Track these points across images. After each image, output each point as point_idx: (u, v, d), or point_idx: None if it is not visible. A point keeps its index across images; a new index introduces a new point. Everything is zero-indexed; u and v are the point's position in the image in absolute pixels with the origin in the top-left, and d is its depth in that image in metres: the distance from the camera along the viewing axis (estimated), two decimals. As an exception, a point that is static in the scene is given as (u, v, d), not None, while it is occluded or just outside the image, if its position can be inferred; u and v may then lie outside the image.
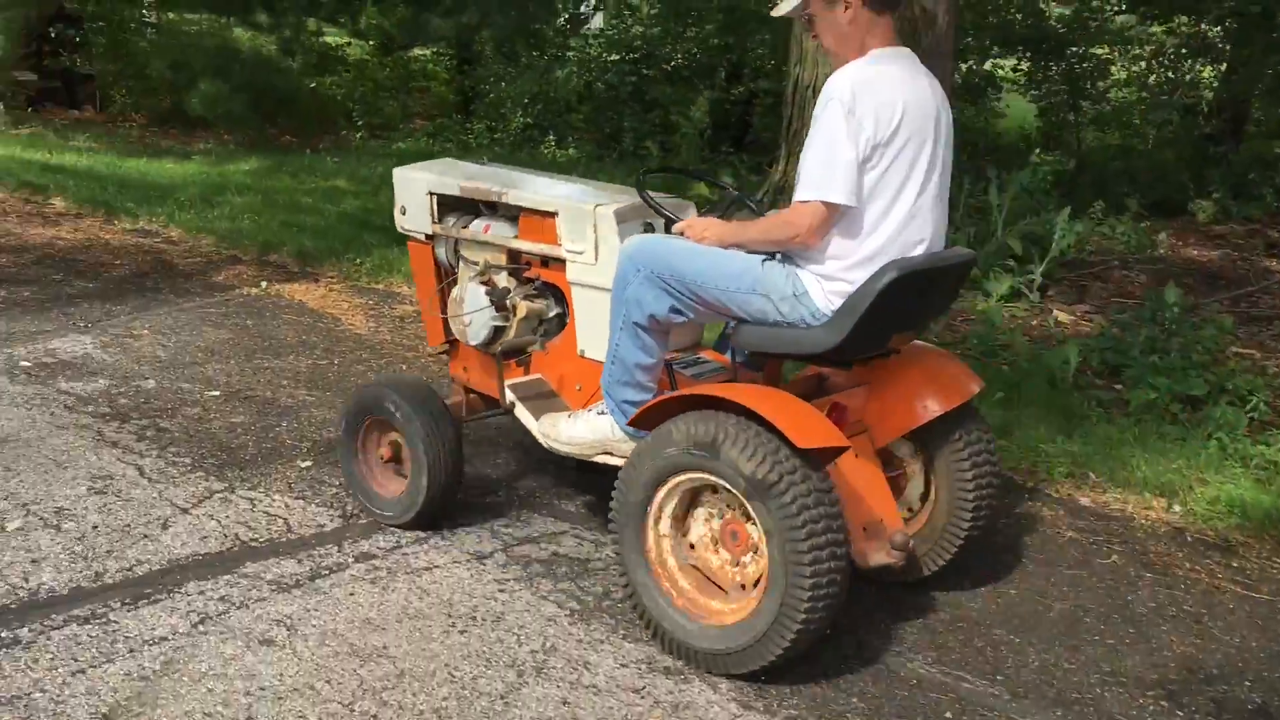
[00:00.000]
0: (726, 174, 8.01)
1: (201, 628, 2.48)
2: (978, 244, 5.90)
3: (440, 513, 2.97)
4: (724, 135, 10.29)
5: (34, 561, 2.73)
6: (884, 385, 2.70)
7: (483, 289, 2.96)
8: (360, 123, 11.50)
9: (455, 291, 3.08)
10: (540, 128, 10.44)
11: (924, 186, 2.45)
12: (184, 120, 11.92)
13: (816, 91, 6.21)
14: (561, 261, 2.86)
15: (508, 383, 2.97)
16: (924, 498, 2.79)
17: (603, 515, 2.79)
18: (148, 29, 13.15)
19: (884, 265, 2.39)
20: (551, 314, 2.97)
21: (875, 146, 2.36)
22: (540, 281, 2.96)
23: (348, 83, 12.12)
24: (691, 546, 2.48)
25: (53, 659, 2.33)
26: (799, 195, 2.40)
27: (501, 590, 2.74)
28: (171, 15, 12.34)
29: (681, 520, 2.47)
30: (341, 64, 12.43)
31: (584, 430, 2.76)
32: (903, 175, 2.41)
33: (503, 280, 3.00)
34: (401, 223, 3.23)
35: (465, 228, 3.06)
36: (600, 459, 2.75)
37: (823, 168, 2.36)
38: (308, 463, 3.42)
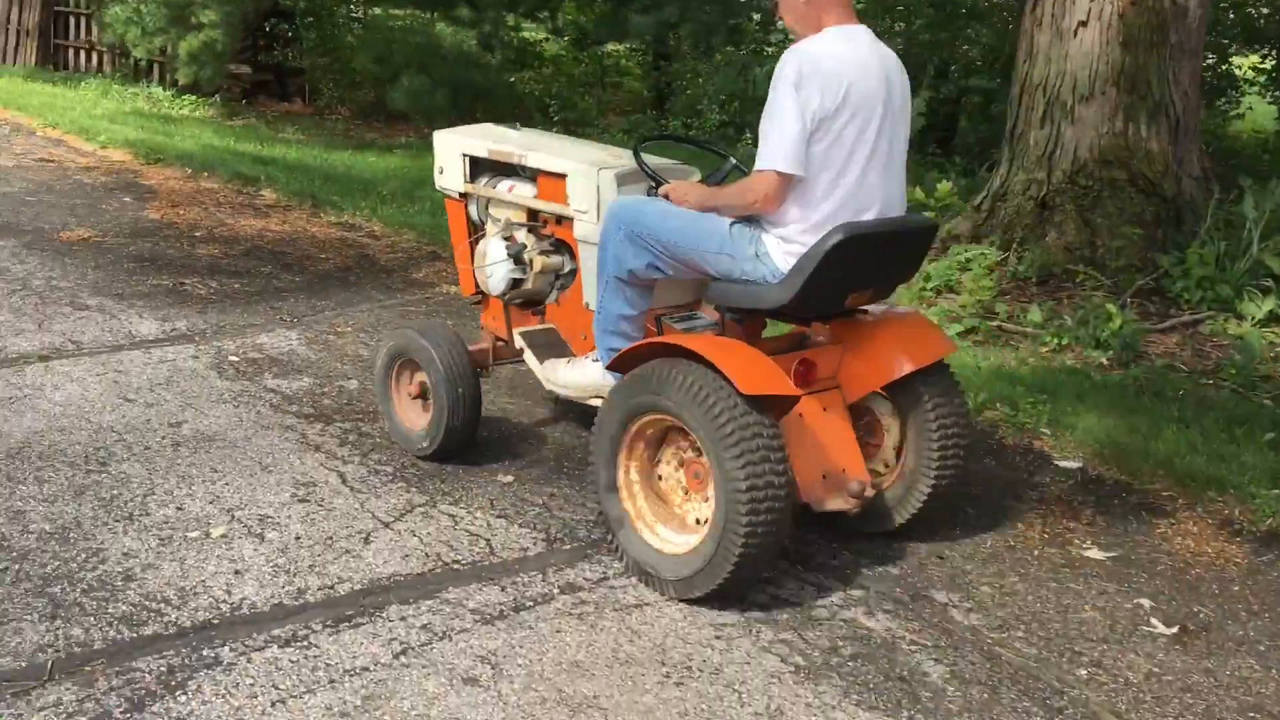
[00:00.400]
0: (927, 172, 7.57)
1: (403, 659, 2.34)
2: (1228, 260, 5.31)
3: (458, 449, 3.26)
4: (929, 135, 9.79)
5: (237, 573, 2.65)
6: (858, 344, 2.90)
7: (504, 244, 3.24)
8: (556, 118, 11.51)
9: (480, 245, 3.37)
10: (736, 125, 10.18)
11: (872, 156, 2.65)
12: (386, 114, 12.23)
13: (1045, 91, 5.93)
14: (571, 220, 3.11)
15: (518, 330, 3.29)
16: (899, 453, 2.97)
17: (826, 556, 2.88)
18: (354, 24, 13.57)
19: (832, 228, 2.59)
20: (566, 269, 3.22)
21: (821, 120, 2.56)
22: (555, 238, 3.22)
23: (545, 78, 12.16)
24: (660, 479, 2.71)
25: (253, 685, 2.22)
26: (755, 165, 2.64)
27: (718, 637, 2.50)
28: (377, 10, 12.67)
29: (652, 458, 2.71)
30: (539, 59, 12.49)
31: (578, 375, 3.06)
32: (850, 146, 2.61)
33: (522, 236, 3.27)
34: (439, 182, 3.54)
35: (494, 187, 3.34)
36: (593, 402, 2.98)
37: (773, 140, 2.58)
38: (509, 478, 3.27)
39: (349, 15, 14.15)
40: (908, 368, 2.84)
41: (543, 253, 3.20)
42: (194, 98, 12.39)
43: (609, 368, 2.84)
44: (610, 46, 12.86)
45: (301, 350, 4.30)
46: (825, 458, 2.79)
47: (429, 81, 10.49)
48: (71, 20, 15.03)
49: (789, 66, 2.58)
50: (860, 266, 2.70)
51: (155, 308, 4.68)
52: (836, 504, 2.72)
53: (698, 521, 2.63)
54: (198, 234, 6.03)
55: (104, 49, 14.21)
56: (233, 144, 9.00)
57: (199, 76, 11.51)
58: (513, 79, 12.07)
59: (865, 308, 2.92)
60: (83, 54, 14.94)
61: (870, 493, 2.77)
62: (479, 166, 3.43)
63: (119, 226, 6.01)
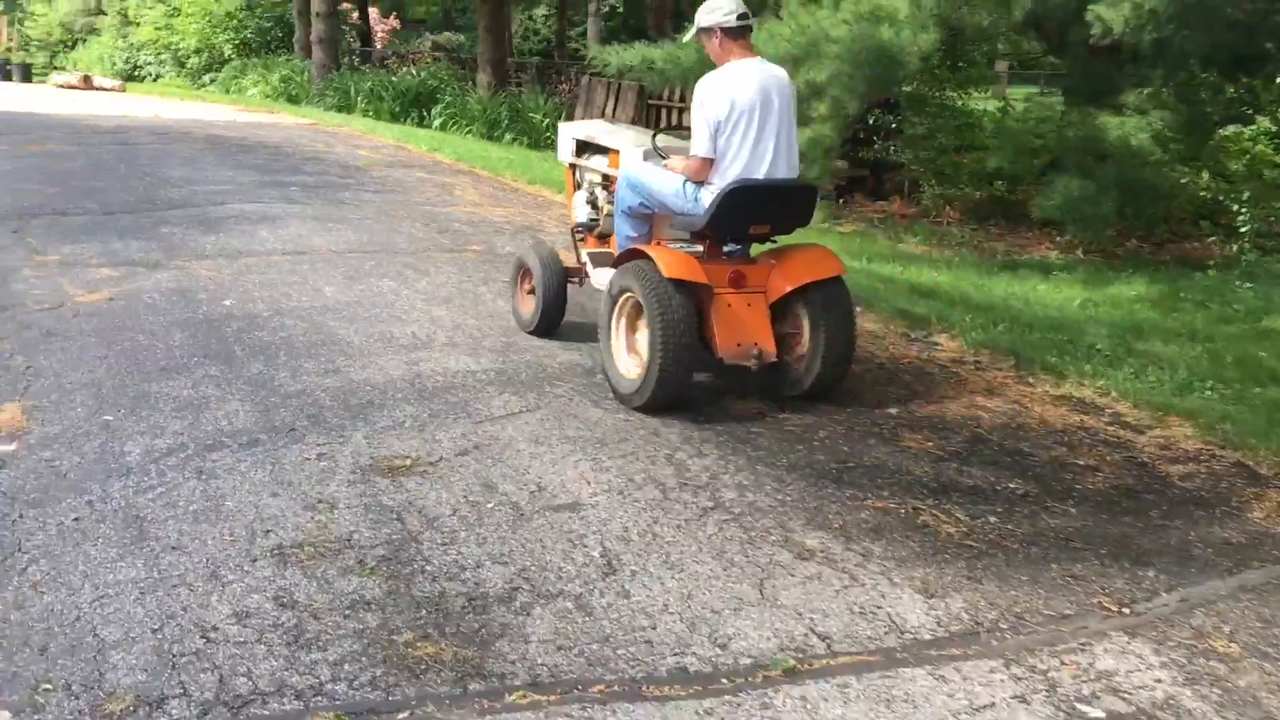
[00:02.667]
0: None
1: None
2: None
3: (552, 327, 5.31)
4: None
5: None
6: (780, 264, 4.59)
7: (586, 195, 5.39)
8: (1246, 229, 9.09)
9: (575, 196, 5.53)
10: None
11: (759, 140, 4.38)
12: (1007, 215, 10.53)
13: None
14: None
15: (585, 250, 5.33)
16: (808, 342, 4.54)
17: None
18: (978, 115, 12.08)
19: (731, 183, 4.37)
20: None
21: (719, 123, 4.36)
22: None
23: (1238, 177, 9.77)
24: (635, 336, 4.52)
25: None
26: (690, 151, 4.52)
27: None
28: (1018, 101, 11.03)
29: (631, 324, 4.55)
30: (1224, 152, 10.12)
31: (604, 277, 4.88)
32: (741, 135, 4.36)
33: (599, 190, 5.34)
34: (559, 156, 5.77)
35: (586, 160, 5.42)
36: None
37: (696, 138, 4.44)
38: None
39: (950, 109, 12.69)
40: (808, 279, 4.51)
41: (607, 200, 5.23)
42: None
43: (614, 265, 4.78)
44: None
45: (1191, 703, 2.57)
46: (743, 333, 4.45)
47: (1091, 185, 8.62)
48: (663, 114, 15.14)
49: (698, 91, 4.45)
50: (753, 207, 4.49)
51: (897, 558, 3.23)
52: (741, 361, 4.41)
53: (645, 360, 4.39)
54: (891, 410, 4.62)
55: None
56: (865, 262, 7.73)
57: (804, 175, 10.50)
58: (1186, 179, 9.82)
59: (787, 239, 4.71)
60: (670, 148, 14.88)
61: (768, 359, 4.43)
62: (581, 146, 5.47)
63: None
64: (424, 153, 12.17)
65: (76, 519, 3.28)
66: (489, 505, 3.49)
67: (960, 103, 12.80)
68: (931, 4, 8.00)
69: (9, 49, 26.91)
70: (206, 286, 5.89)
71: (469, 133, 16.45)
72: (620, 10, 36.55)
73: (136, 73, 29.23)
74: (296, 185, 9.11)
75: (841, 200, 12.22)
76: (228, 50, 24.60)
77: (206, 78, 24.87)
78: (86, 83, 22.11)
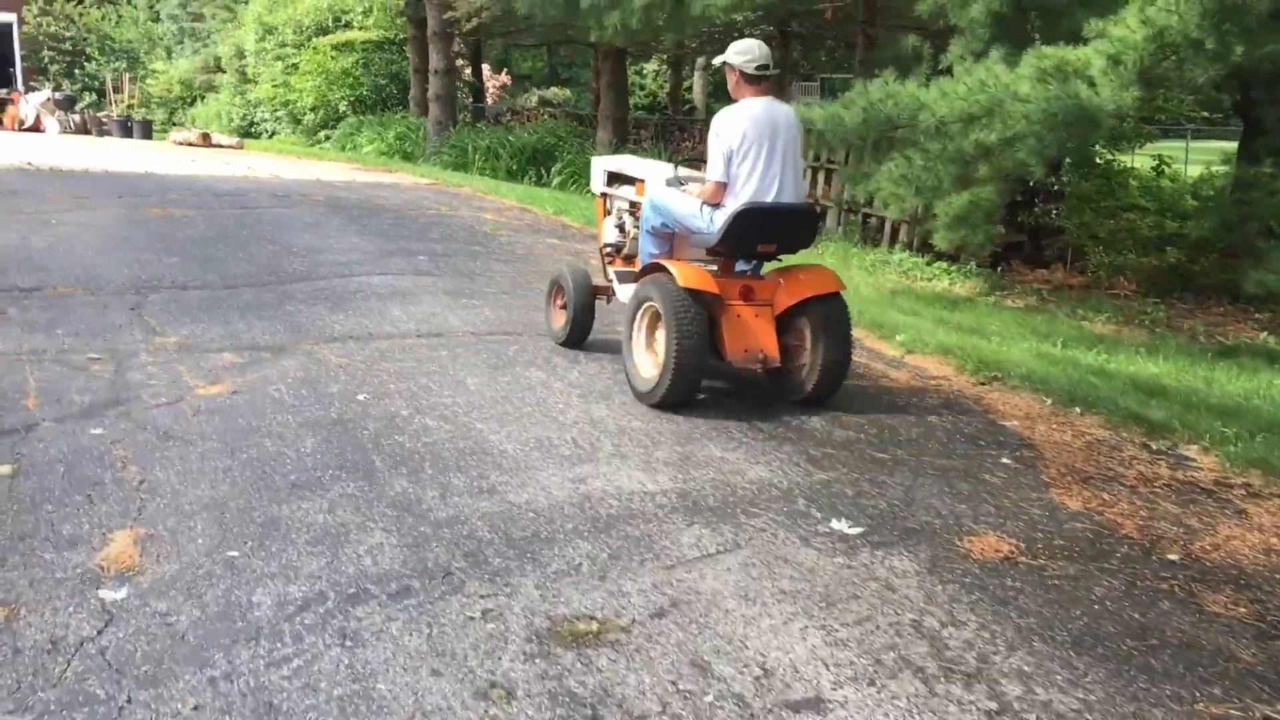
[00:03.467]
0: None
1: None
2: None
3: (581, 339, 6.05)
4: None
5: None
6: (786, 280, 5.22)
7: (614, 219, 6.20)
8: None
9: (605, 221, 6.31)
10: None
11: (767, 168, 5.04)
12: (1192, 289, 9.54)
13: None
14: None
15: (614, 270, 6.04)
16: (809, 351, 5.18)
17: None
18: (1149, 176, 11.14)
19: (741, 206, 5.01)
20: None
21: (731, 151, 5.03)
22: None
23: None
24: (655, 341, 5.17)
25: None
26: (706, 176, 5.21)
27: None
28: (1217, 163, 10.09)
29: (650, 330, 5.21)
30: None
31: (628, 292, 5.58)
32: (751, 164, 5.02)
33: (626, 216, 6.10)
34: (592, 186, 6.56)
35: (615, 189, 6.19)
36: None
37: (711, 165, 5.12)
38: None
39: (1121, 165, 11.74)
40: (808, 294, 5.14)
41: (634, 225, 5.96)
42: (945, 265, 10.65)
43: (636, 278, 5.50)
44: None
45: None
46: (750, 340, 5.09)
47: (1314, 257, 7.63)
48: (812, 175, 14.43)
49: (714, 124, 5.15)
50: (760, 228, 5.09)
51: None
52: (748, 365, 5.12)
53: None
54: (1172, 556, 3.76)
55: (839, 205, 13.21)
56: (1059, 347, 6.86)
57: (965, 240, 9.71)
58: None
59: (793, 259, 5.40)
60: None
61: (771, 364, 5.11)
62: (611, 177, 6.27)
63: (1041, 527, 3.96)
64: (549, 216, 11.64)
65: (196, 708, 2.62)
66: (707, 698, 2.75)
67: (1114, 160, 11.87)
68: (1134, 59, 7.16)
69: (130, 105, 27.52)
70: (338, 377, 5.31)
71: (590, 193, 15.96)
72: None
73: (253, 129, 29.69)
74: (424, 254, 8.59)
75: (1000, 268, 11.34)
76: (343, 107, 24.73)
77: (322, 134, 25.02)
78: (205, 140, 22.32)
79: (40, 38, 27.98)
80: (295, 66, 26.40)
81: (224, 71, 33.29)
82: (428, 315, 6.62)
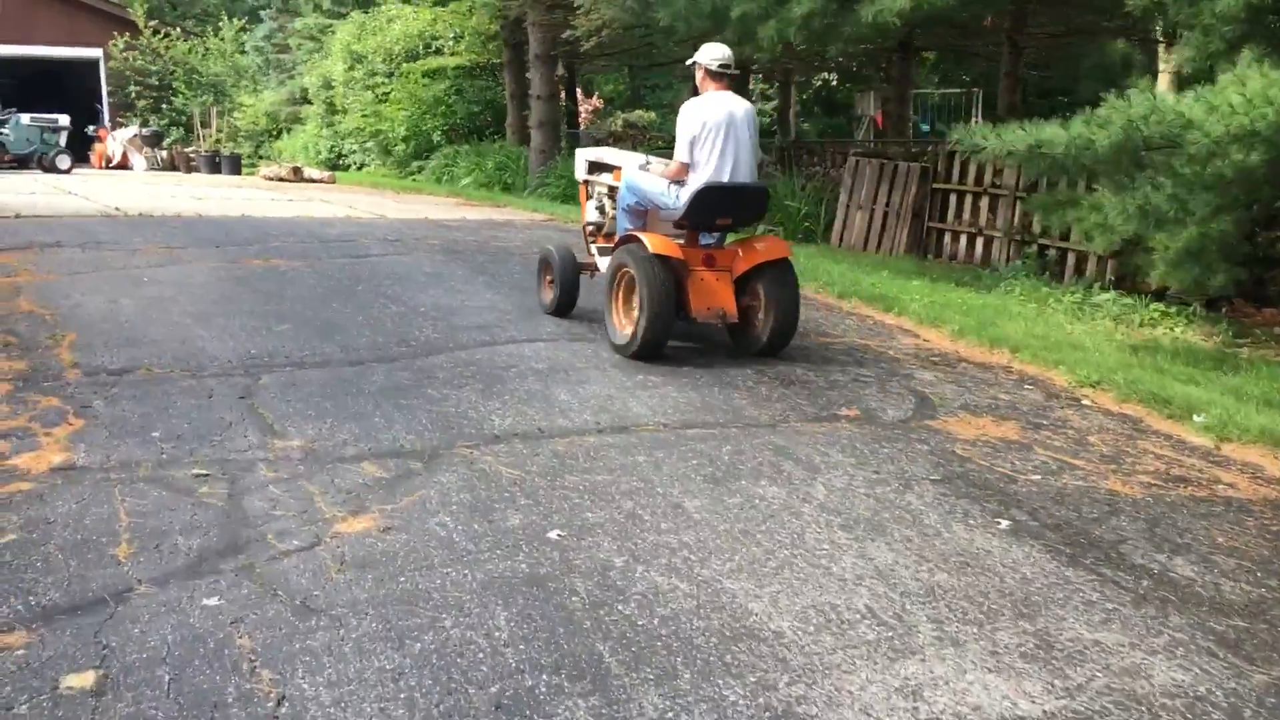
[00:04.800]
0: None
1: None
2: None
3: (567, 309, 7.06)
4: None
5: None
6: (743, 249, 6.22)
7: (595, 203, 7.15)
8: None
9: (587, 205, 7.25)
10: None
11: (724, 152, 5.97)
12: None
13: None
14: None
15: (596, 247, 7.03)
16: (763, 310, 6.18)
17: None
18: None
19: (702, 185, 5.95)
20: None
21: (694, 137, 5.97)
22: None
23: None
24: (627, 302, 6.06)
25: None
26: (673, 158, 6.15)
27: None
28: None
29: (627, 295, 6.10)
30: None
31: (606, 262, 6.56)
32: (710, 147, 5.96)
33: (605, 199, 7.08)
34: (576, 175, 7.49)
35: (596, 176, 7.16)
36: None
37: (678, 148, 6.05)
38: None
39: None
40: (760, 259, 6.14)
41: (612, 208, 6.92)
42: (1162, 308, 9.14)
43: (614, 249, 6.41)
44: None
45: None
46: (711, 299, 6.04)
47: None
48: (950, 199, 13.01)
49: (681, 113, 6.09)
50: (718, 203, 6.04)
51: None
52: (709, 320, 6.06)
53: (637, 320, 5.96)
54: None
55: (1008, 235, 11.73)
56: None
57: (1200, 279, 8.21)
58: None
59: (744, 231, 6.74)
60: (963, 239, 12.77)
61: (730, 320, 6.12)
62: (592, 166, 7.28)
63: None
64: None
65: None
66: None
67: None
68: None
69: (218, 140, 27.00)
70: (514, 499, 4.05)
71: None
72: (822, 87, 34.64)
73: (341, 161, 29.05)
74: (572, 311, 7.35)
75: (1225, 309, 9.77)
76: (436, 137, 23.85)
77: (414, 165, 24.17)
78: (296, 174, 21.56)
79: (126, 73, 27.64)
80: (386, 95, 25.66)
81: (310, 103, 32.82)
82: (603, 400, 5.35)
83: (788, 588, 3.41)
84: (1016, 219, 11.92)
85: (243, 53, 32.10)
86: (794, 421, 5.16)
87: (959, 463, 4.70)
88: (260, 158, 33.46)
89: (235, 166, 25.08)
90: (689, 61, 6.32)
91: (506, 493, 4.14)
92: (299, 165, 22.67)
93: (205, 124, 27.18)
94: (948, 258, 12.88)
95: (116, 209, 11.75)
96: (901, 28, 9.01)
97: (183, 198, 14.01)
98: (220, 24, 29.32)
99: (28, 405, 5.01)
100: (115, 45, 27.09)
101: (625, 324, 6.13)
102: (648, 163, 6.61)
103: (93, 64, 28.10)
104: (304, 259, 8.97)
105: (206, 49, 28.38)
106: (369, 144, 26.71)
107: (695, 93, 6.27)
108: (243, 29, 30.73)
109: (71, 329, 6.34)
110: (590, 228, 7.25)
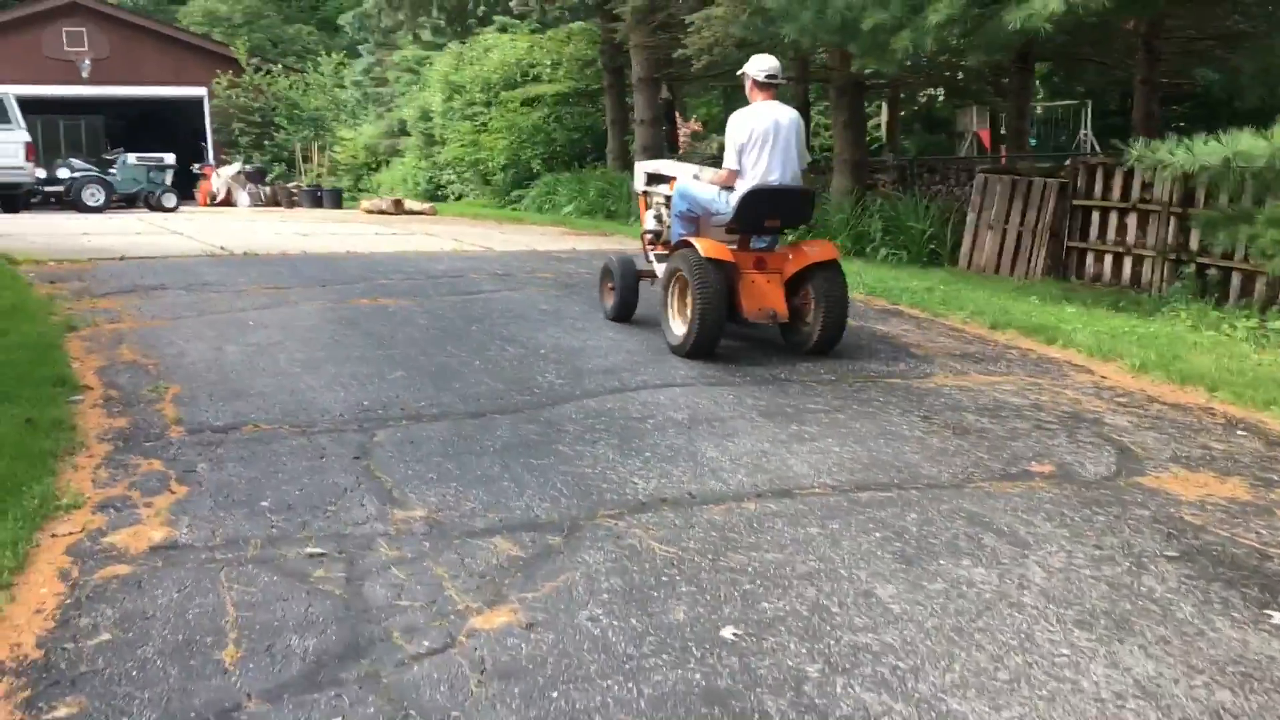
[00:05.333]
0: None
1: None
2: None
3: (628, 315, 7.50)
4: None
5: None
6: (793, 252, 6.66)
7: (653, 212, 7.59)
8: None
9: (646, 214, 7.71)
10: None
11: (771, 158, 6.38)
12: None
13: None
14: None
15: (654, 253, 7.41)
16: (813, 310, 6.58)
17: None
18: None
19: (750, 188, 6.33)
20: None
21: (742, 145, 6.39)
22: None
23: None
24: (682, 303, 6.48)
25: None
26: (723, 165, 6.64)
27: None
28: None
29: (682, 295, 6.49)
30: None
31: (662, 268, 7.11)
32: (757, 154, 6.38)
33: (662, 208, 7.40)
34: (634, 186, 8.07)
35: (654, 186, 7.63)
36: None
37: (728, 156, 6.48)
38: None
39: None
40: (810, 261, 6.54)
41: (670, 217, 7.13)
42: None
43: (669, 254, 6.96)
44: None
45: None
46: (762, 300, 6.47)
47: None
48: (1094, 215, 12.13)
49: (730, 122, 6.57)
50: (766, 206, 6.42)
51: None
52: (761, 320, 6.48)
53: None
54: None
55: (1161, 254, 10.83)
56: None
57: None
58: None
59: (792, 234, 8.58)
60: (1108, 260, 11.88)
61: (780, 320, 6.54)
62: (650, 178, 7.78)
63: None
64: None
65: None
66: None
67: None
68: None
69: (319, 175, 27.15)
70: (673, 585, 3.47)
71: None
72: (929, 103, 33.59)
73: (439, 192, 29.02)
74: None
75: None
76: (535, 165, 23.57)
77: (514, 194, 23.93)
78: (398, 207, 21.45)
79: (230, 110, 28.01)
80: (485, 125, 25.52)
81: (409, 135, 32.97)
82: (756, 456, 4.74)
83: (1032, 710, 2.76)
84: (1170, 236, 11.02)
85: (341, 87, 32.38)
86: (980, 480, 4.49)
87: (1193, 533, 3.98)
88: (360, 191, 33.71)
89: (336, 200, 25.16)
90: (739, 72, 6.73)
91: (664, 576, 3.56)
92: (399, 198, 22.59)
93: (306, 159, 27.38)
94: (1090, 279, 12.01)
95: (221, 248, 11.54)
96: (1049, 33, 8.27)
97: (287, 234, 13.82)
98: (319, 59, 29.58)
99: (128, 470, 4.59)
100: (219, 83, 27.48)
101: (679, 325, 6.58)
102: (700, 173, 7.06)
103: (197, 103, 28.57)
104: (413, 297, 8.55)
105: (307, 85, 28.62)
106: (468, 174, 26.60)
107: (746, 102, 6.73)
108: (341, 63, 30.98)
109: (175, 380, 5.96)
110: (649, 236, 7.65)
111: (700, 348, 6.36)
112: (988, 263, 13.11)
